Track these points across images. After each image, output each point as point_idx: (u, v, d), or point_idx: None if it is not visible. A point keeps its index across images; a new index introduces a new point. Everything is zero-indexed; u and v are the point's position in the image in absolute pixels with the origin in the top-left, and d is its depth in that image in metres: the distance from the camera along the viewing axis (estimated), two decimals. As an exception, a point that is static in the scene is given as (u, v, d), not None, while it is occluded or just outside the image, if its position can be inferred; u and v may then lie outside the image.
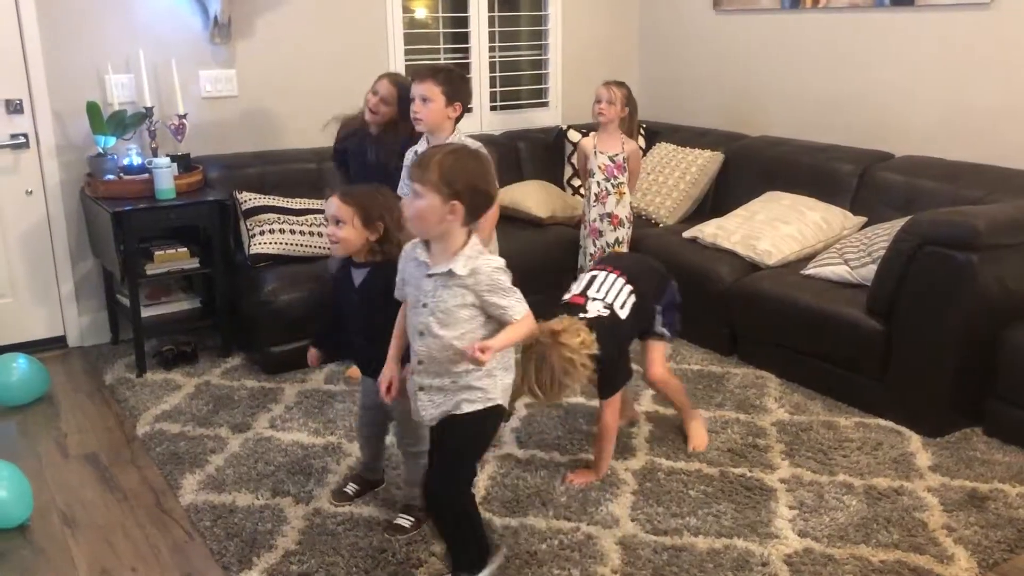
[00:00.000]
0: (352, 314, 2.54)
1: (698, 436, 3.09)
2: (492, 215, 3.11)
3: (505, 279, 2.06)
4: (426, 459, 2.58)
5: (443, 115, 3.03)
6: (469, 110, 3.28)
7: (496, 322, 2.10)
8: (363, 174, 3.44)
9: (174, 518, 2.72)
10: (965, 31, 3.82)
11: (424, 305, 2.09)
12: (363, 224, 2.43)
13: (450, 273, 2.03)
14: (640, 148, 4.13)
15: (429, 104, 3.00)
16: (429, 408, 2.17)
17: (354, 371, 3.45)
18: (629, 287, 2.83)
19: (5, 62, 3.77)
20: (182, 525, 2.68)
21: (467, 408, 2.14)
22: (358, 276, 2.50)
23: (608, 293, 2.80)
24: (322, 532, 2.60)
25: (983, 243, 2.94)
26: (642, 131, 5.05)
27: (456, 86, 3.06)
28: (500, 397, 2.17)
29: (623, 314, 2.78)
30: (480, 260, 2.04)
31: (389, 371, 2.34)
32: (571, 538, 2.55)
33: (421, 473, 2.60)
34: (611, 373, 2.75)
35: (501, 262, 2.07)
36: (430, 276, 2.07)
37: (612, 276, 2.85)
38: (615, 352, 2.73)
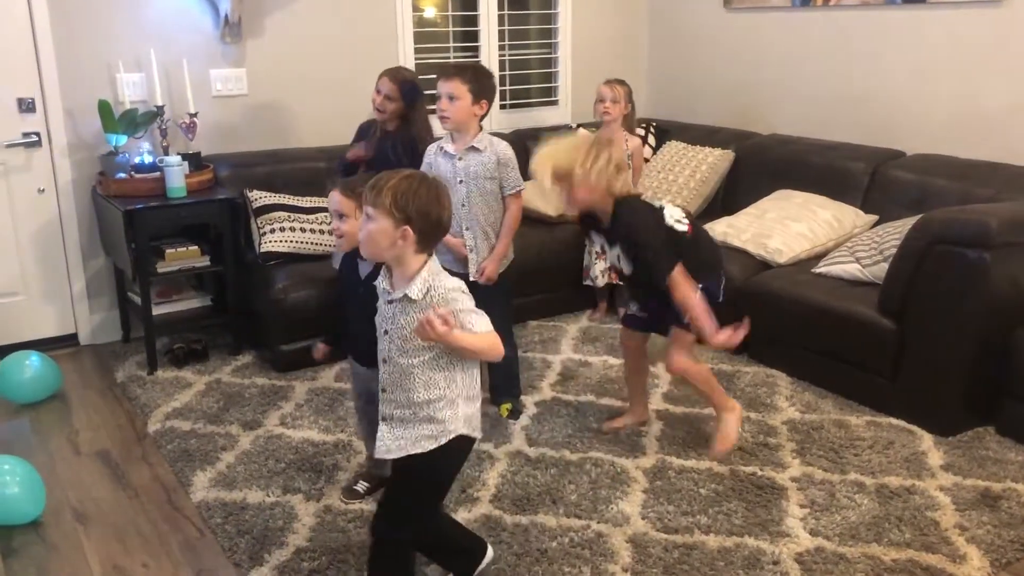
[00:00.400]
0: (358, 306, 2.53)
1: (724, 434, 2.98)
2: (515, 214, 3.14)
3: (462, 299, 2.00)
4: None
5: (469, 113, 3.04)
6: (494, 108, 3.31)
7: (456, 354, 2.03)
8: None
9: (185, 515, 2.73)
10: (977, 28, 3.80)
11: (385, 332, 2.06)
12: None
13: (406, 298, 2.00)
14: (642, 142, 4.11)
15: (456, 102, 3.01)
16: (388, 441, 2.07)
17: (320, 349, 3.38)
18: (687, 224, 2.85)
19: (18, 61, 3.79)
20: (193, 522, 2.69)
21: (428, 446, 2.05)
22: (364, 268, 2.49)
23: (671, 208, 2.87)
24: (333, 529, 2.61)
25: (996, 241, 2.93)
26: (652, 129, 5.05)
27: (483, 83, 3.06)
28: (463, 427, 2.08)
29: (674, 224, 2.81)
30: (434, 281, 2.00)
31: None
32: (581, 536, 2.55)
33: None
34: (654, 260, 2.74)
35: (457, 283, 2.02)
36: (390, 303, 2.04)
37: (681, 212, 2.90)
38: (657, 241, 2.74)
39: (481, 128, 3.12)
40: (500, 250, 3.14)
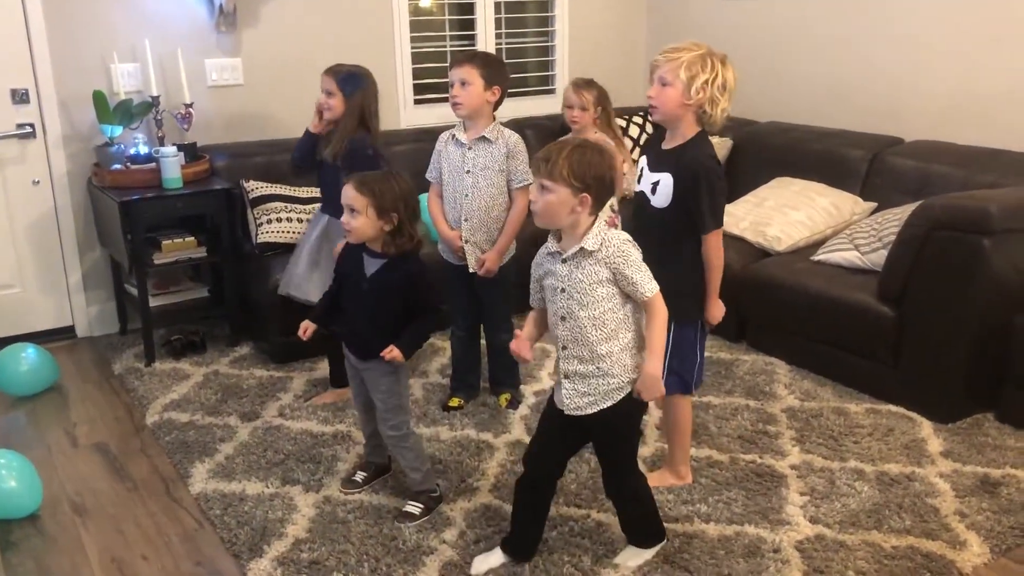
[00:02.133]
0: (358, 301, 2.52)
1: (662, 473, 2.82)
2: (521, 209, 3.07)
3: (635, 253, 2.11)
4: (411, 441, 2.62)
5: (482, 99, 3.00)
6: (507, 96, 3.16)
7: (633, 302, 2.15)
8: (328, 179, 3.19)
9: (184, 507, 2.73)
10: (977, 13, 3.78)
11: (562, 290, 2.15)
12: (377, 214, 2.40)
13: (582, 251, 2.10)
14: (622, 139, 3.84)
15: (468, 88, 2.98)
16: (574, 397, 2.20)
17: (326, 397, 3.39)
18: None
19: (11, 51, 3.76)
20: (192, 514, 2.69)
21: (617, 396, 2.18)
22: (371, 265, 2.48)
23: None
24: (332, 520, 2.60)
25: (996, 227, 2.92)
26: (639, 120, 4.97)
27: (495, 69, 3.04)
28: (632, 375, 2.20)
29: None
30: (610, 233, 2.11)
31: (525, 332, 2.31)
32: (581, 525, 2.55)
33: (413, 457, 2.61)
34: (712, 205, 2.46)
35: (627, 236, 2.14)
36: (564, 261, 2.13)
37: None
38: (721, 191, 2.52)
39: (494, 118, 3.09)
40: (502, 244, 3.11)
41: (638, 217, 2.63)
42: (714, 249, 2.52)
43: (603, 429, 2.24)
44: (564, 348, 2.19)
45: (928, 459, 2.88)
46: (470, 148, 3.05)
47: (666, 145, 2.54)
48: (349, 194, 2.41)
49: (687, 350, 2.60)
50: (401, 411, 2.59)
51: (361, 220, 2.40)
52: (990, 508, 2.60)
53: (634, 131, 4.82)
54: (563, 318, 2.16)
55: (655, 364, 2.14)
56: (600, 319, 2.13)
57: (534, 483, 2.33)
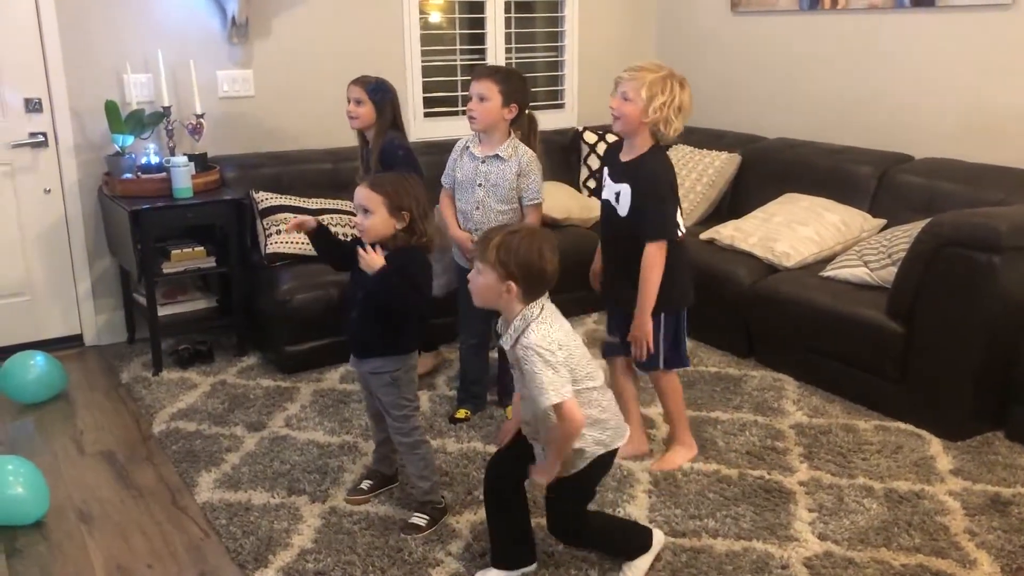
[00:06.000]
0: (362, 296, 2.52)
1: (670, 458, 2.97)
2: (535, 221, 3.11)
3: (538, 358, 2.06)
4: (422, 449, 2.62)
5: (499, 115, 3.01)
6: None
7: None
8: None
9: (190, 516, 2.72)
10: (986, 32, 3.79)
11: (517, 370, 2.19)
12: (390, 213, 2.42)
13: (515, 343, 2.14)
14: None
15: (485, 103, 2.99)
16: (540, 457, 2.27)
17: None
18: (682, 232, 2.84)
19: (25, 61, 3.79)
20: (198, 523, 2.68)
21: (580, 466, 2.22)
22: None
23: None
24: (338, 531, 2.59)
25: (1005, 244, 2.91)
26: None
27: (515, 86, 3.04)
28: (598, 447, 2.22)
29: (679, 221, 2.80)
30: (528, 330, 2.10)
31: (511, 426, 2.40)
32: (588, 539, 2.54)
33: (423, 466, 2.61)
34: (655, 212, 2.67)
35: (546, 340, 2.08)
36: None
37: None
38: (669, 200, 2.74)
39: (511, 133, 3.09)
40: None
41: (606, 224, 2.84)
42: (649, 259, 2.65)
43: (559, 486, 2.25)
44: (526, 423, 2.26)
45: (937, 477, 2.86)
46: (483, 162, 3.06)
47: (624, 157, 2.74)
48: (362, 194, 2.43)
49: (672, 332, 2.81)
50: (410, 419, 2.59)
51: (375, 219, 2.42)
52: (1000, 527, 2.58)
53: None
54: (523, 397, 2.22)
55: (550, 459, 2.17)
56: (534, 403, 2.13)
57: (492, 489, 2.37)
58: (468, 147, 3.12)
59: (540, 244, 2.12)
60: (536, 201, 3.09)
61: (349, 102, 3.41)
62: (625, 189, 2.69)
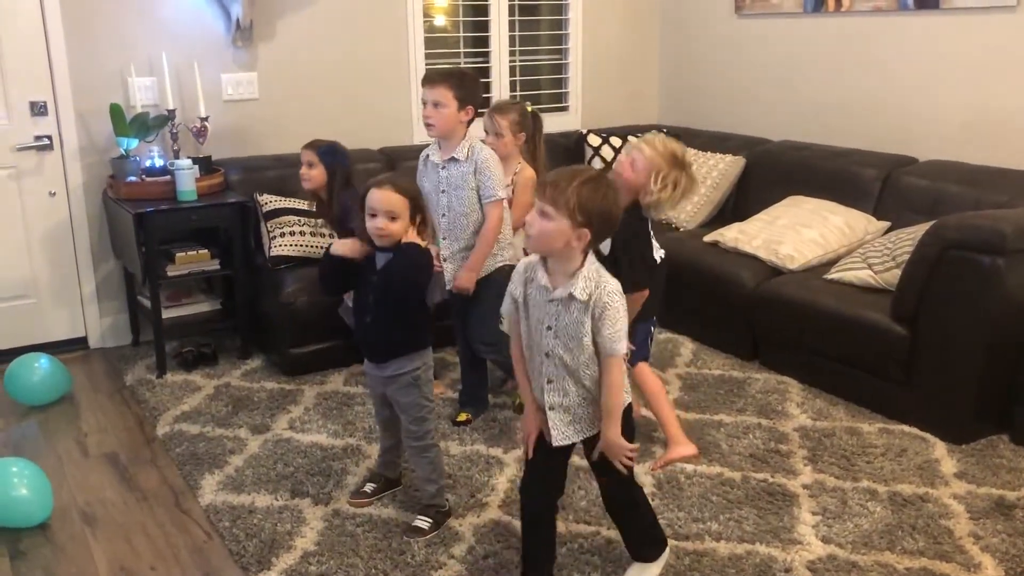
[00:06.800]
0: (369, 296, 2.52)
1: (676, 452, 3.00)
2: (493, 224, 3.07)
3: (619, 305, 2.03)
4: (432, 453, 2.61)
5: (455, 120, 3.01)
6: (481, 113, 3.22)
7: None
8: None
9: (193, 518, 2.73)
10: (990, 34, 3.78)
11: (549, 328, 2.09)
12: (410, 215, 2.42)
13: (571, 297, 2.03)
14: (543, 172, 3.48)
15: (441, 110, 2.98)
16: (561, 427, 2.14)
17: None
18: (661, 256, 2.97)
19: (30, 64, 3.80)
20: (201, 525, 2.68)
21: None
22: (381, 259, 2.47)
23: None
24: (341, 533, 2.59)
25: (1010, 247, 2.90)
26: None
27: (468, 89, 3.03)
28: (628, 396, 2.18)
29: (655, 252, 2.93)
30: (601, 279, 2.04)
31: (532, 421, 2.23)
32: (591, 542, 2.53)
33: (431, 469, 2.61)
34: (630, 267, 2.65)
35: (617, 286, 2.05)
36: (552, 301, 2.07)
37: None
38: (641, 254, 2.80)
39: (466, 135, 3.07)
40: (474, 261, 3.07)
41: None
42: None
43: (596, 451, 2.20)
44: (549, 382, 2.13)
45: (942, 480, 2.85)
46: (443, 168, 3.07)
47: None
48: (393, 199, 2.37)
49: (643, 338, 2.92)
50: (426, 421, 2.59)
51: (399, 224, 2.39)
52: (1005, 530, 2.57)
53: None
54: (547, 354, 2.11)
55: (613, 429, 2.10)
56: (588, 360, 2.08)
57: (533, 516, 2.29)
58: (429, 156, 3.12)
59: (615, 192, 2.05)
60: (494, 198, 3.05)
61: (302, 165, 3.51)
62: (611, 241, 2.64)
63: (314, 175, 3.48)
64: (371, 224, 2.41)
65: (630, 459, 2.15)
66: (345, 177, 3.50)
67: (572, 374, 2.10)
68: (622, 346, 2.04)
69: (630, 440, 2.18)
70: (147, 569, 2.48)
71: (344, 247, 2.50)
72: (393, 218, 2.39)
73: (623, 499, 2.30)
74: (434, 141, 3.13)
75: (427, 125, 3.03)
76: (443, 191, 3.07)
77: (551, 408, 2.14)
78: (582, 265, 2.03)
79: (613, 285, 2.04)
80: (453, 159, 3.05)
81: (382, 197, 2.39)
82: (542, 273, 2.08)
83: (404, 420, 2.59)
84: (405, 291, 2.44)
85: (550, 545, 2.34)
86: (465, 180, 3.04)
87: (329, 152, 3.49)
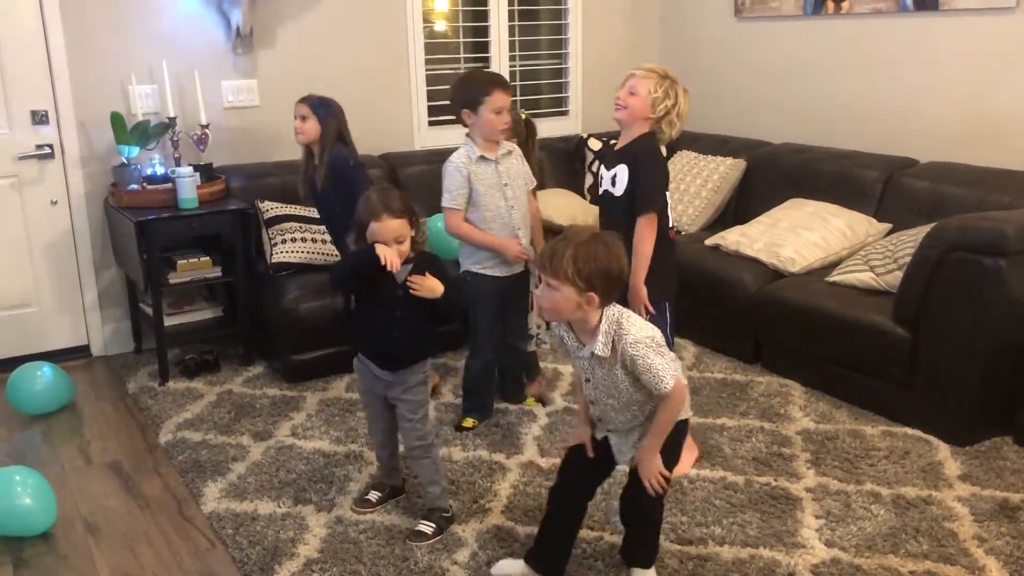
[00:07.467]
0: (392, 310, 2.53)
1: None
2: (535, 210, 3.28)
3: (648, 350, 2.07)
4: (434, 453, 2.63)
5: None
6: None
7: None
8: (325, 202, 3.55)
9: (196, 526, 2.72)
10: (990, 35, 3.78)
11: (587, 380, 2.21)
12: (411, 228, 2.48)
13: (593, 355, 2.12)
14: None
15: (502, 115, 3.07)
16: (625, 450, 2.27)
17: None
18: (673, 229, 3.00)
19: (31, 73, 3.81)
20: (204, 533, 2.68)
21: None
22: (400, 273, 2.48)
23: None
24: (344, 540, 2.59)
25: (1012, 248, 2.90)
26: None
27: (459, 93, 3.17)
28: (685, 412, 2.25)
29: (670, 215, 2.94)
30: (622, 330, 2.09)
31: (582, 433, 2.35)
32: (594, 547, 2.53)
33: (434, 470, 2.62)
34: (648, 189, 2.82)
35: (639, 333, 2.09)
36: (580, 358, 2.19)
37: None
38: (660, 181, 2.90)
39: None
40: (540, 242, 3.25)
41: (604, 216, 2.96)
42: (639, 233, 2.78)
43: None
44: (599, 419, 2.27)
45: (945, 483, 2.85)
46: (498, 162, 3.14)
47: (619, 144, 2.91)
48: (394, 226, 2.42)
49: (658, 324, 2.75)
50: (428, 419, 2.65)
51: (408, 241, 2.47)
52: (1009, 533, 2.56)
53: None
54: (593, 402, 2.24)
55: (653, 450, 2.18)
56: (630, 401, 2.17)
57: (564, 511, 2.35)
58: (471, 156, 3.09)
59: (614, 249, 2.08)
60: (534, 184, 3.29)
61: (295, 119, 3.50)
62: (622, 170, 2.85)
63: (307, 128, 3.47)
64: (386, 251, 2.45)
65: (660, 484, 2.20)
66: (338, 131, 3.50)
67: (621, 413, 2.20)
68: (666, 384, 2.08)
69: (672, 457, 2.24)
70: (150, 577, 2.48)
71: (390, 255, 2.44)
72: (401, 241, 2.44)
73: (644, 507, 2.31)
74: (466, 143, 3.14)
75: (501, 131, 3.11)
76: (507, 184, 3.15)
77: (610, 431, 2.28)
78: (600, 321, 2.10)
79: (633, 335, 2.08)
80: (507, 152, 3.17)
81: (384, 228, 2.42)
82: (569, 334, 2.18)
83: (410, 421, 2.60)
84: (426, 304, 2.50)
85: (566, 541, 2.38)
86: (520, 170, 3.22)
87: (322, 105, 3.49)
